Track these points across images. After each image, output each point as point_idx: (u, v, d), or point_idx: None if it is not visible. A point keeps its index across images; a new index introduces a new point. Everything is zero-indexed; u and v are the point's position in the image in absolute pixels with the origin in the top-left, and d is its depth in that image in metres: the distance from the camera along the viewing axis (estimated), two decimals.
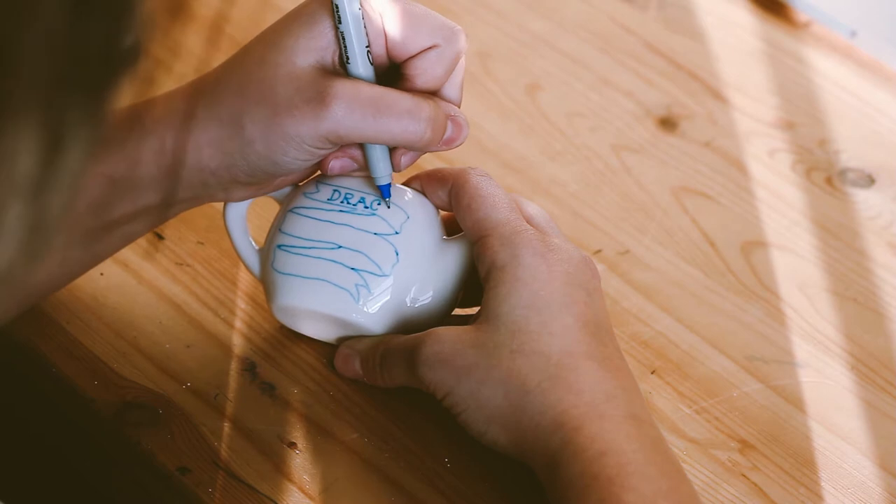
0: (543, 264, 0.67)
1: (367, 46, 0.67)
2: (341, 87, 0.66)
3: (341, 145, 0.68)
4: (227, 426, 0.70)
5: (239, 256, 0.73)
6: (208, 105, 0.67)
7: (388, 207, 0.70)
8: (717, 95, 0.93)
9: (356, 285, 0.69)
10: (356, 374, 0.71)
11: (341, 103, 0.65)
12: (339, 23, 0.66)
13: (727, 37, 0.97)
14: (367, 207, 0.70)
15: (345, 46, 0.67)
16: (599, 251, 0.82)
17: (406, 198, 0.71)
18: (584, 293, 0.67)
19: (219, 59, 0.70)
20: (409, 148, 0.69)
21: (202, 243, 0.78)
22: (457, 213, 0.70)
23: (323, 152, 0.68)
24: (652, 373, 0.76)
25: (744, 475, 0.71)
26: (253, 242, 0.73)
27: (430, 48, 0.68)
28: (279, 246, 0.70)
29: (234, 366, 0.73)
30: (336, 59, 0.67)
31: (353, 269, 0.69)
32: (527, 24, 0.96)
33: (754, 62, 0.96)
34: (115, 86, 0.42)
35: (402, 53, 0.68)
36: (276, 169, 0.68)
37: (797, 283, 0.81)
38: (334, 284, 0.69)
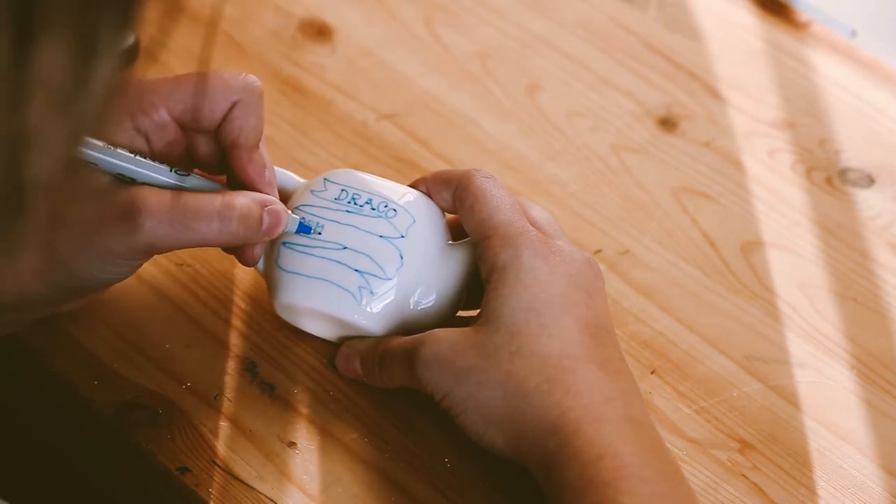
0: (545, 266, 0.67)
1: (150, 161, 0.67)
2: (146, 197, 0.65)
3: (161, 252, 0.68)
4: (226, 426, 0.70)
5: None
6: None
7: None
8: (717, 95, 0.93)
9: (359, 287, 0.69)
10: (357, 375, 0.71)
11: (149, 217, 0.64)
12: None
13: (727, 37, 0.97)
14: (373, 209, 0.70)
15: (131, 179, 0.66)
16: (599, 251, 0.82)
17: (413, 201, 0.71)
18: (585, 295, 0.67)
19: (217, 59, 0.70)
20: (227, 246, 0.69)
21: None
22: (460, 215, 0.71)
23: (139, 263, 0.67)
24: (652, 373, 0.76)
25: (744, 475, 0.71)
26: None
27: (233, 105, 0.68)
28: (284, 243, 0.70)
29: (234, 366, 0.73)
30: None
31: (356, 270, 0.69)
32: (527, 24, 0.96)
33: (754, 62, 0.96)
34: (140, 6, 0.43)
35: (211, 122, 0.68)
36: (98, 284, 0.68)
37: (797, 283, 0.81)
38: (337, 285, 0.69)
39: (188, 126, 0.69)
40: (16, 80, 0.40)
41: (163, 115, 0.68)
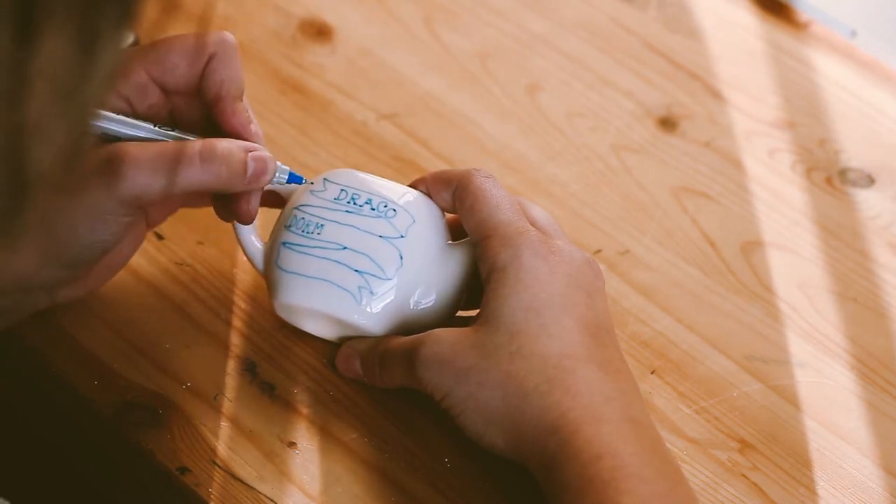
0: (545, 266, 0.67)
1: (130, 117, 0.67)
2: (127, 148, 0.65)
3: (149, 204, 0.68)
4: (226, 426, 0.70)
5: (243, 250, 0.73)
6: None
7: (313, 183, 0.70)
8: (717, 95, 0.93)
9: (359, 287, 0.69)
10: (357, 375, 0.71)
11: (131, 166, 0.64)
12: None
13: (727, 37, 0.97)
14: (373, 209, 0.70)
15: (115, 138, 0.67)
16: (599, 251, 0.82)
17: (413, 201, 0.71)
18: (585, 295, 0.67)
19: None
20: (215, 191, 0.69)
21: (202, 243, 0.78)
22: (460, 215, 0.70)
23: (128, 219, 0.66)
24: (652, 373, 0.76)
25: (744, 475, 0.71)
26: (258, 237, 0.73)
27: (209, 60, 0.68)
28: (284, 243, 0.70)
29: (234, 366, 0.73)
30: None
31: (356, 270, 0.69)
32: (527, 24, 0.96)
33: (754, 62, 0.96)
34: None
35: (189, 79, 0.68)
36: (89, 252, 0.67)
37: (797, 283, 0.81)
38: (337, 285, 0.69)
39: (170, 88, 0.69)
40: (18, 73, 0.40)
41: (142, 76, 0.68)
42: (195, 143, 0.66)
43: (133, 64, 0.68)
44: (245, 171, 0.67)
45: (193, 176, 0.66)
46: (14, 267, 0.66)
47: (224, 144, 0.67)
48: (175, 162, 0.65)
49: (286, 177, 0.70)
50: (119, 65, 0.43)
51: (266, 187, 0.71)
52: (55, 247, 0.66)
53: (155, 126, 0.68)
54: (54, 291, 0.69)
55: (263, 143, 0.70)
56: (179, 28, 0.71)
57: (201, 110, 0.70)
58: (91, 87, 0.42)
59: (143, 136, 0.67)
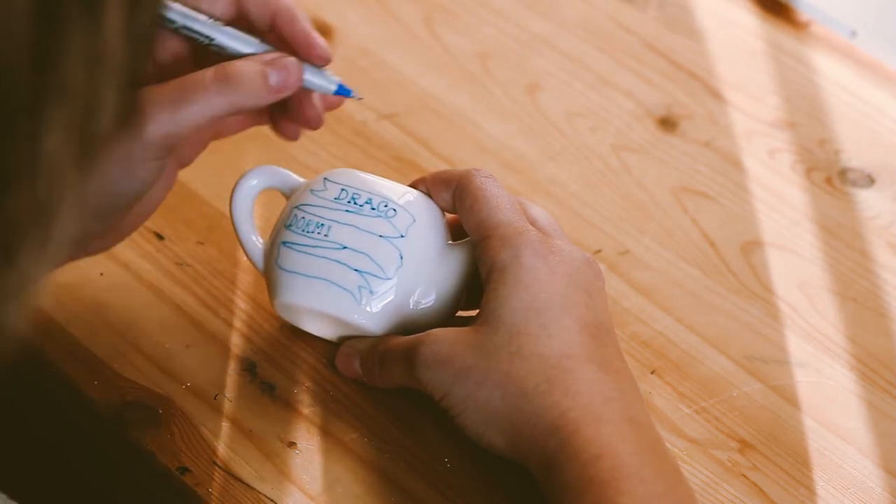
0: (544, 266, 0.67)
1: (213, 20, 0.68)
2: (146, 92, 0.65)
3: (177, 143, 0.67)
4: (227, 426, 0.70)
5: (243, 249, 0.73)
6: None
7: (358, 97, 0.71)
8: (717, 95, 0.93)
9: (359, 287, 0.69)
10: (357, 374, 0.71)
11: (152, 105, 0.64)
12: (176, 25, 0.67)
13: (727, 37, 0.97)
14: (373, 209, 0.70)
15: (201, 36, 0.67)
16: (599, 251, 0.82)
17: (413, 201, 0.71)
18: (585, 295, 0.67)
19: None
20: (244, 110, 0.68)
21: (202, 243, 0.78)
22: (460, 215, 0.70)
23: (159, 162, 0.66)
24: (652, 373, 0.76)
25: (744, 475, 0.71)
26: (258, 236, 0.73)
27: None
28: (284, 243, 0.70)
29: (234, 366, 0.73)
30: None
31: (356, 270, 0.69)
32: (527, 24, 0.96)
33: (754, 62, 0.96)
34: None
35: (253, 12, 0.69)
36: (121, 201, 0.66)
37: (797, 283, 0.81)
38: (337, 285, 0.69)
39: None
40: (92, 46, 0.41)
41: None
42: (208, 69, 0.66)
43: None
44: (266, 81, 0.67)
45: (212, 98, 0.65)
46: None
47: (238, 63, 0.67)
48: (191, 90, 0.65)
49: (334, 86, 0.70)
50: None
51: (276, 188, 0.71)
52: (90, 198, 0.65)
53: (210, 18, 0.67)
54: (86, 243, 0.68)
55: (325, 55, 0.69)
56: None
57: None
58: (135, 57, 0.44)
59: (221, 38, 0.67)
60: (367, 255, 0.69)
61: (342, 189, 0.71)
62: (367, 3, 0.95)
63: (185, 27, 0.67)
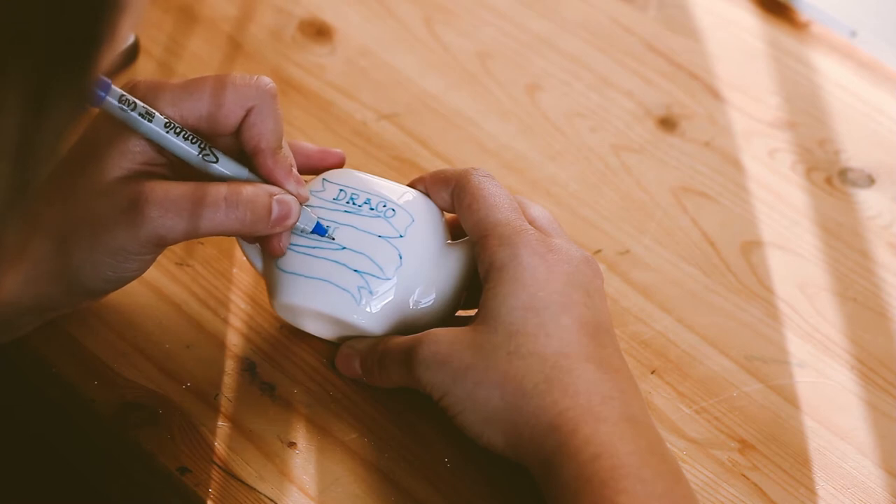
0: (543, 265, 0.67)
1: (187, 137, 0.67)
2: (152, 189, 0.65)
3: (171, 244, 0.68)
4: (226, 426, 0.70)
5: (242, 251, 0.73)
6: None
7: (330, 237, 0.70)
8: (717, 95, 0.93)
9: (358, 287, 0.69)
10: (356, 374, 0.71)
11: (154, 206, 0.65)
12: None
13: (727, 37, 0.97)
14: (372, 209, 0.70)
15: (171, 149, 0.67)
16: (599, 251, 0.82)
17: (412, 201, 0.71)
18: (583, 294, 0.67)
19: (217, 59, 0.70)
20: (238, 235, 0.69)
21: (202, 243, 0.78)
22: (458, 214, 0.70)
23: (150, 257, 0.67)
24: (652, 373, 0.76)
25: (744, 475, 0.71)
26: None
27: (249, 111, 0.67)
28: None
29: (234, 366, 0.73)
30: (150, 160, 0.67)
31: (355, 270, 0.69)
32: (527, 24, 0.96)
33: (754, 62, 0.96)
34: (98, 62, 0.43)
35: (227, 128, 0.68)
36: (110, 286, 0.68)
37: (797, 283, 0.81)
38: (336, 285, 0.69)
39: (205, 132, 0.68)
40: None
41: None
42: (221, 188, 0.66)
43: (168, 111, 0.67)
44: (269, 215, 0.67)
45: (218, 220, 0.66)
46: (34, 289, 0.66)
47: (249, 189, 0.67)
48: (200, 206, 0.65)
49: (311, 227, 0.70)
50: (71, 125, 0.43)
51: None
52: (77, 278, 0.66)
53: (200, 154, 0.67)
54: (72, 307, 0.71)
55: (303, 185, 0.69)
56: (195, 39, 0.71)
57: (240, 148, 0.69)
58: (38, 154, 0.43)
59: (187, 155, 0.67)
60: (367, 256, 0.69)
61: (340, 189, 0.71)
62: (367, 3, 0.95)
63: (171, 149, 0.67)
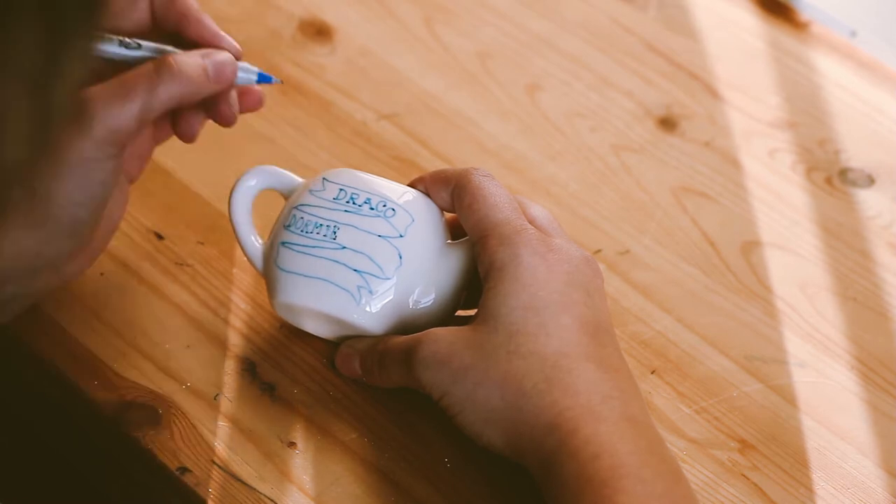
0: (543, 264, 0.67)
1: (120, 38, 0.68)
2: (89, 90, 0.65)
3: (126, 140, 0.67)
4: (226, 426, 0.70)
5: (242, 250, 0.73)
6: None
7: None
8: (717, 95, 0.93)
9: (358, 287, 0.69)
10: (356, 374, 0.71)
11: (97, 102, 0.65)
12: None
13: (727, 37, 0.97)
14: (372, 209, 0.70)
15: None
16: (599, 251, 0.82)
17: (412, 200, 0.71)
18: (583, 294, 0.67)
19: None
20: (186, 102, 0.69)
21: (202, 243, 0.78)
22: (458, 214, 0.70)
23: (112, 163, 0.66)
24: (652, 372, 0.76)
25: (744, 475, 0.71)
26: (257, 236, 0.73)
27: None
28: (283, 243, 0.70)
29: (234, 366, 0.73)
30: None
31: (355, 270, 0.69)
32: (527, 24, 0.96)
33: (754, 62, 0.96)
34: None
35: (141, 13, 0.70)
36: (85, 211, 0.66)
37: (797, 283, 0.81)
38: (336, 285, 0.69)
39: (124, 30, 0.69)
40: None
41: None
42: (149, 63, 0.67)
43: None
44: (206, 74, 0.68)
45: (162, 92, 0.66)
46: (20, 247, 0.66)
47: (178, 56, 0.67)
48: (133, 84, 0.65)
49: (255, 76, 0.70)
50: (86, 62, 0.43)
51: (275, 188, 0.72)
52: (54, 216, 0.65)
53: (120, 41, 0.68)
54: (61, 268, 0.69)
55: (237, 48, 0.70)
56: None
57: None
58: (60, 82, 0.43)
59: (107, 52, 0.68)
60: (367, 255, 0.69)
61: (341, 189, 0.71)
62: (367, 3, 0.95)
63: (123, 59, 0.68)
